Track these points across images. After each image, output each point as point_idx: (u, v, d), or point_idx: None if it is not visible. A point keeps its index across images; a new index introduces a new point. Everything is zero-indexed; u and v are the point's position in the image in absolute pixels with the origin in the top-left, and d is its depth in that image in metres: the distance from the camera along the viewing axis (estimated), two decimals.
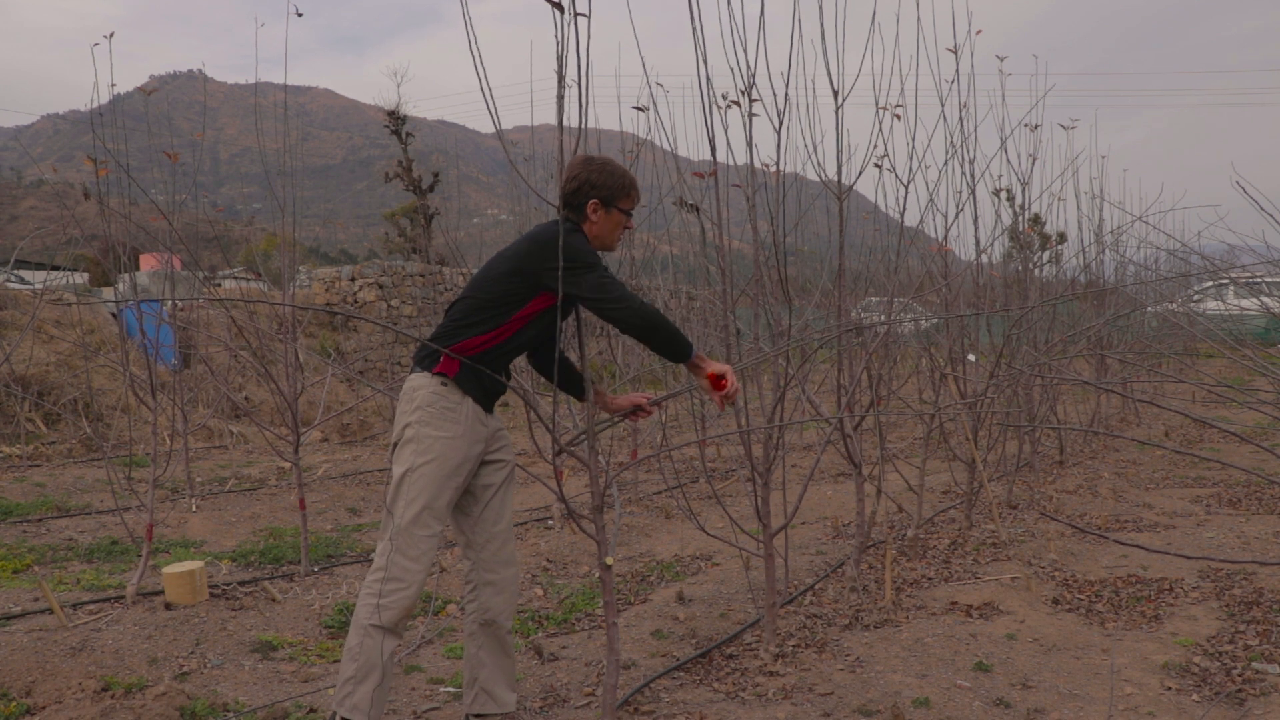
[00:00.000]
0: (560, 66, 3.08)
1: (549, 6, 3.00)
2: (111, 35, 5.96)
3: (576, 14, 3.03)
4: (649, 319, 3.35)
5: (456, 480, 3.44)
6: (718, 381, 3.52)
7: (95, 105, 6.19)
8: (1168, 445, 4.76)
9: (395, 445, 3.47)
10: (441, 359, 3.43)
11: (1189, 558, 4.43)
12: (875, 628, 4.78)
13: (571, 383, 3.81)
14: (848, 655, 4.40)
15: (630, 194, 3.57)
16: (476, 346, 3.43)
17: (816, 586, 5.48)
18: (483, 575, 3.62)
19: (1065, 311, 10.34)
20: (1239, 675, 4.04)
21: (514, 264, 3.41)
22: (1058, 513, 7.12)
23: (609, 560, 3.43)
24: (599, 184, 3.49)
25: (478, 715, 3.66)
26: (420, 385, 3.44)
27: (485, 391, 3.50)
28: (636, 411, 3.87)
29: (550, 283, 3.32)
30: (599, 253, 3.53)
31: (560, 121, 3.17)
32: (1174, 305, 13.11)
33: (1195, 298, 14.33)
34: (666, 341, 3.43)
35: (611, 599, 3.50)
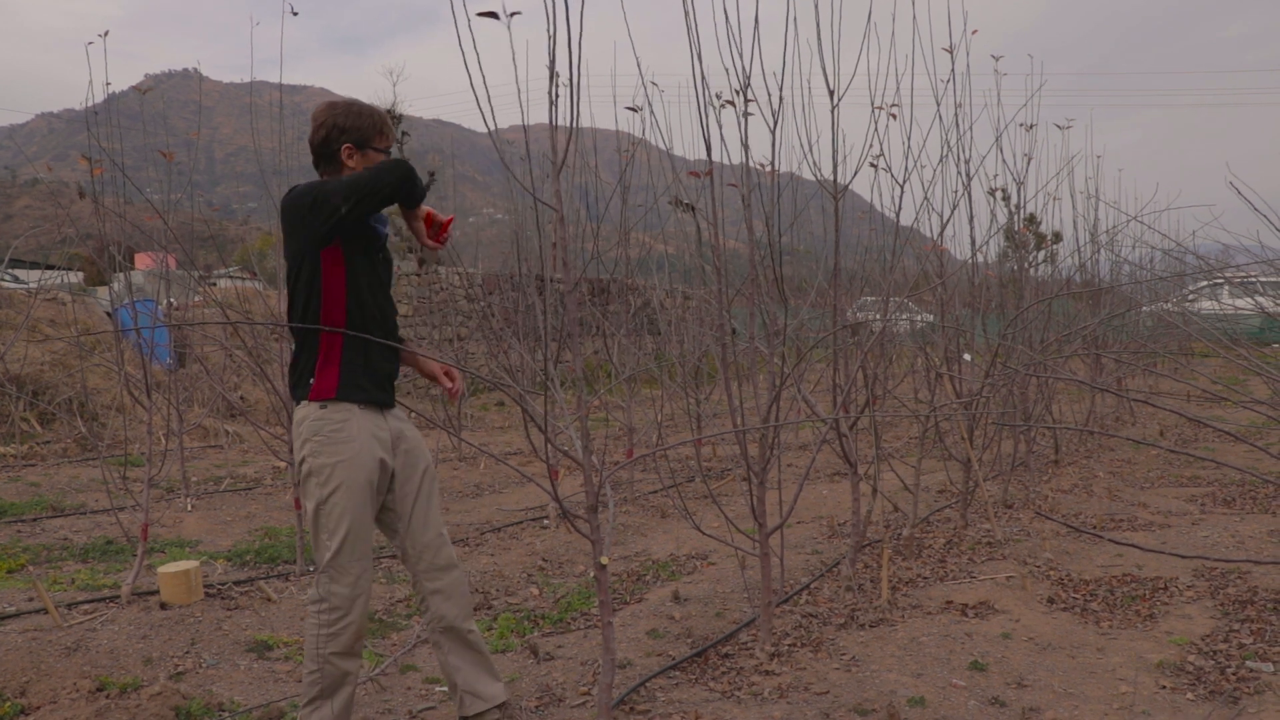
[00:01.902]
0: (551, 63, 3.08)
1: (548, 6, 3.00)
2: (106, 34, 5.95)
3: (511, 14, 3.02)
4: (391, 179, 3.22)
5: (369, 495, 3.34)
6: (431, 223, 3.48)
7: (90, 104, 6.18)
8: (1163, 444, 4.77)
9: (299, 479, 3.39)
10: (312, 386, 3.32)
11: (1184, 556, 4.44)
12: (871, 627, 4.78)
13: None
14: (843, 654, 4.40)
15: (383, 132, 3.46)
16: (329, 343, 3.33)
17: (812, 586, 5.49)
18: (426, 585, 3.54)
19: (1060, 311, 10.36)
20: (1233, 674, 4.05)
21: (284, 242, 3.36)
22: (1053, 512, 7.13)
23: (604, 560, 3.43)
24: (348, 127, 3.38)
25: (475, 716, 3.60)
26: (303, 417, 3.33)
27: (374, 386, 3.38)
28: (446, 381, 3.71)
29: (313, 225, 3.22)
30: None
31: (552, 120, 3.17)
32: (1169, 305, 13.13)
33: (1190, 297, 14.37)
34: (409, 194, 3.32)
35: (607, 598, 3.49)
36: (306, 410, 3.33)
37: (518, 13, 3.05)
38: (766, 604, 4.51)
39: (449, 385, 3.70)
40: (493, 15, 3.01)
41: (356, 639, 3.36)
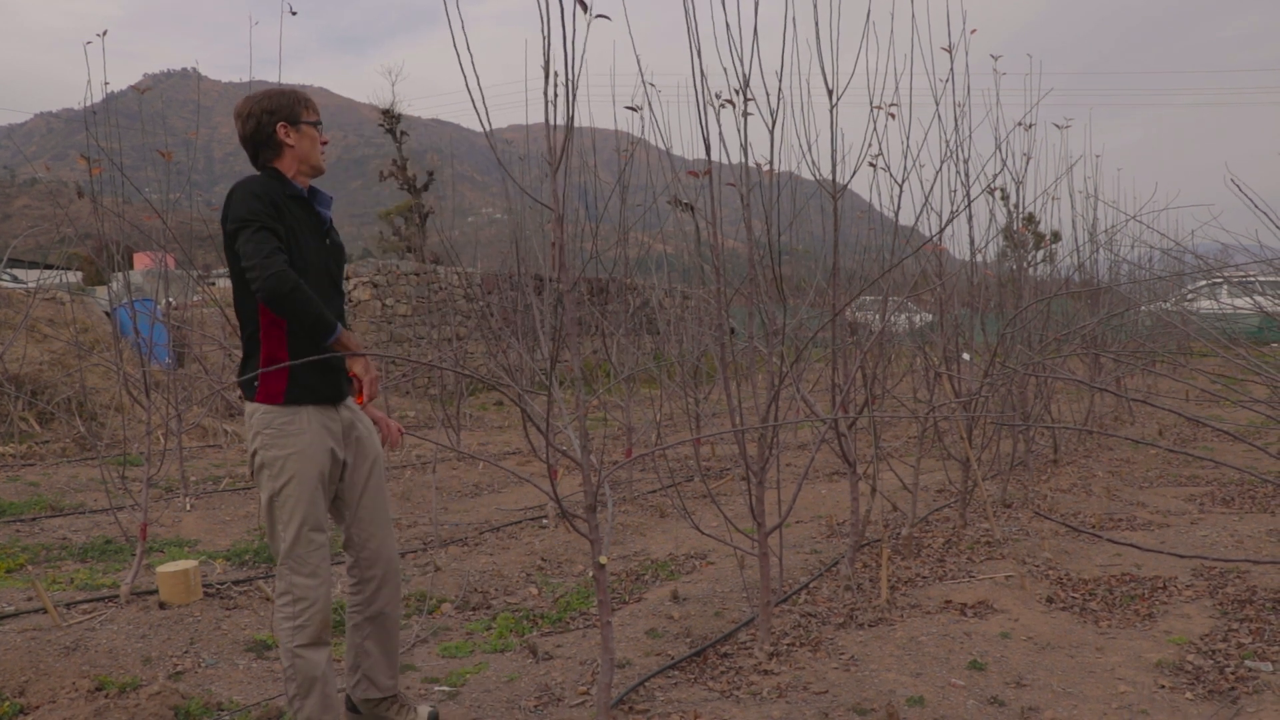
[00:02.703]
0: (547, 63, 3.07)
1: (542, 6, 2.99)
2: (105, 34, 5.94)
3: (584, 7, 3.02)
4: (274, 289, 3.09)
5: (320, 486, 3.38)
6: (361, 365, 3.42)
7: (89, 104, 6.18)
8: (1161, 444, 4.76)
9: (251, 472, 3.42)
10: (258, 389, 3.33)
11: (1182, 556, 4.44)
12: (870, 626, 4.78)
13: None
14: (842, 654, 4.40)
15: (307, 104, 3.49)
16: (273, 343, 3.33)
17: (811, 585, 5.49)
18: (364, 572, 3.60)
19: (1059, 310, 10.36)
20: (1232, 673, 4.05)
21: (224, 240, 3.35)
22: (1052, 511, 7.13)
23: (603, 559, 3.43)
24: (275, 108, 3.41)
25: (363, 700, 3.68)
26: (253, 412, 3.36)
27: (323, 384, 3.39)
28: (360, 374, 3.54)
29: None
30: (303, 180, 3.47)
31: (549, 120, 3.17)
32: (1168, 304, 13.15)
33: (1189, 297, 14.38)
34: (300, 319, 3.20)
35: (606, 598, 3.49)
36: (255, 407, 3.36)
37: (605, 16, 3.05)
38: (765, 603, 4.51)
39: (362, 379, 3.52)
40: (583, 5, 3.01)
41: (323, 628, 3.39)
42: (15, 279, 19.57)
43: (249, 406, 3.38)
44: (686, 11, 3.78)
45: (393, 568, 3.68)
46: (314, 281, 3.36)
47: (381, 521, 3.64)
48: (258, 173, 3.45)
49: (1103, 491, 7.85)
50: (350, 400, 3.56)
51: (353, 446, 3.54)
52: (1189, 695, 3.87)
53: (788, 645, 4.53)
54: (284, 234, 3.25)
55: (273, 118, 3.41)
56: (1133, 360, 10.35)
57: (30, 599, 5.33)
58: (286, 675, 3.37)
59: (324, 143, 3.55)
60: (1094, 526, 6.67)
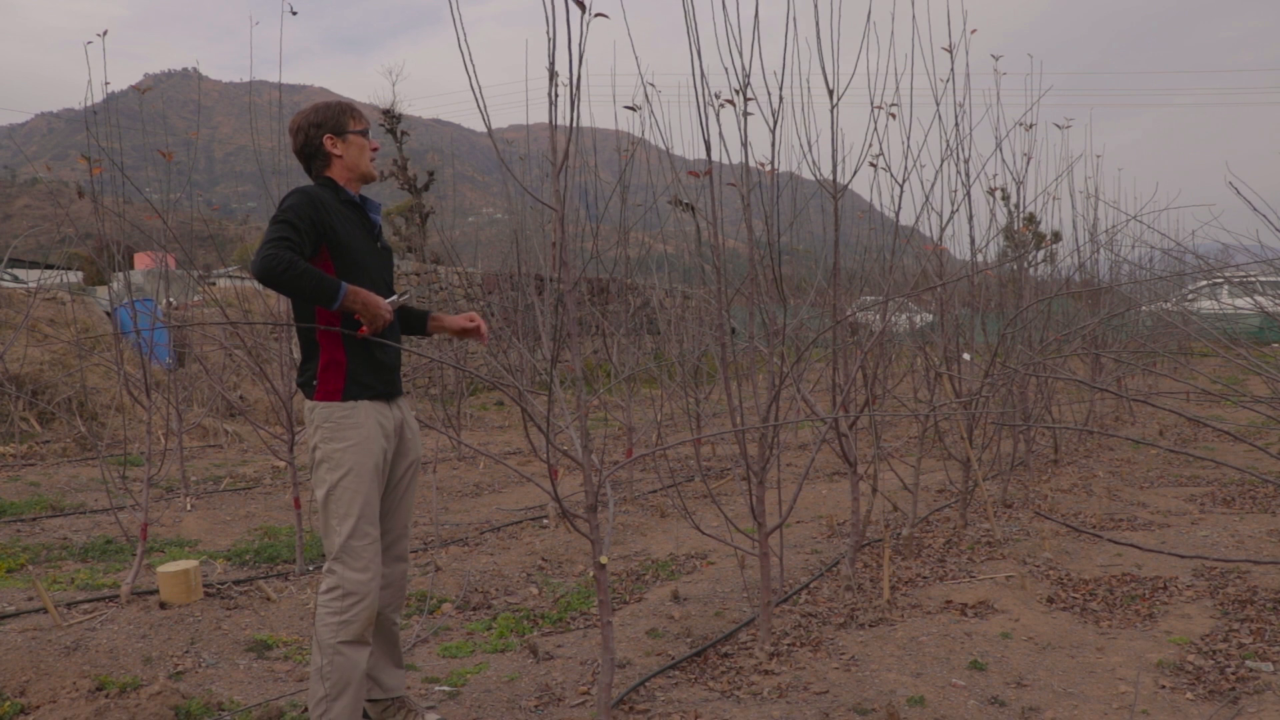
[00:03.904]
0: (551, 64, 3.07)
1: (548, 8, 3.00)
2: (105, 34, 5.94)
3: (581, 7, 3.03)
4: (265, 269, 3.15)
5: (377, 480, 3.45)
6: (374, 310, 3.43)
7: (90, 104, 6.18)
8: (1162, 444, 4.76)
9: (311, 468, 3.47)
10: (317, 388, 3.41)
11: (1183, 556, 4.44)
12: (870, 626, 4.78)
13: (412, 323, 3.86)
14: (843, 654, 4.40)
15: (354, 115, 3.59)
16: (331, 345, 3.41)
17: (812, 585, 5.49)
18: None
19: (1060, 310, 10.36)
20: (1233, 674, 4.05)
21: None
22: (1052, 511, 7.13)
23: (604, 559, 3.43)
24: (322, 121, 3.52)
25: (369, 701, 3.71)
26: (313, 408, 3.44)
27: (378, 381, 3.48)
28: (471, 332, 3.83)
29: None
30: (362, 181, 3.61)
31: (551, 120, 3.17)
32: (1169, 304, 13.14)
33: (1190, 297, 14.37)
34: (297, 294, 3.29)
35: (606, 598, 3.49)
36: (315, 403, 3.44)
37: (604, 15, 3.04)
38: (766, 603, 4.51)
39: (476, 331, 3.82)
40: (580, 4, 3.03)
41: (367, 626, 3.39)
42: (16, 279, 19.57)
43: (309, 404, 3.45)
44: (686, 12, 3.78)
45: (400, 570, 3.72)
46: (367, 282, 3.45)
47: (403, 523, 3.71)
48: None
49: (1103, 492, 7.85)
50: (403, 400, 3.65)
51: (398, 443, 3.61)
52: (1190, 695, 3.87)
53: (788, 645, 4.53)
54: (310, 233, 3.30)
55: (319, 130, 3.52)
56: (1133, 360, 10.36)
57: (31, 599, 5.33)
58: (321, 673, 3.33)
59: (374, 149, 3.63)
60: (1095, 527, 6.66)
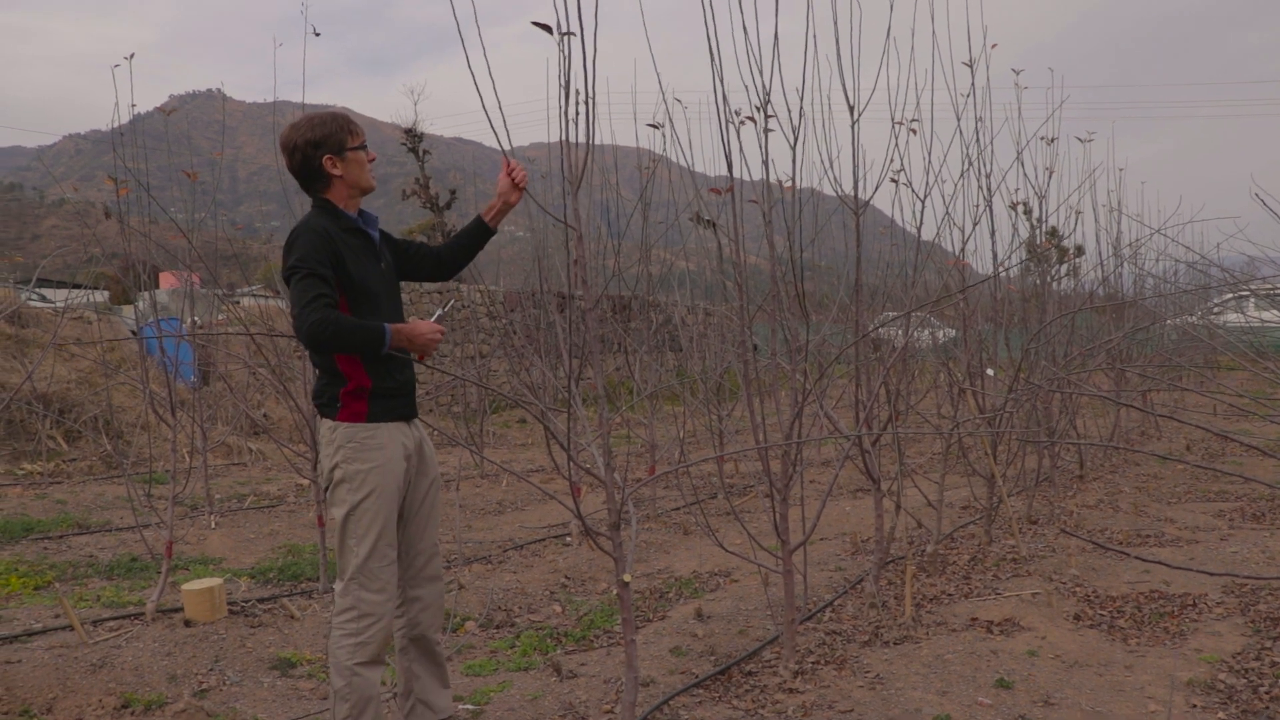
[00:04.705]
0: (566, 82, 3.09)
1: (547, 30, 3.03)
2: (132, 57, 6.01)
3: (563, 34, 3.04)
4: (312, 338, 3.19)
5: (396, 501, 3.44)
6: (422, 340, 3.47)
7: (116, 125, 6.25)
8: (1189, 460, 4.72)
9: (328, 488, 3.45)
10: (340, 410, 3.39)
11: (1212, 574, 4.39)
12: (895, 644, 4.75)
13: (475, 237, 3.88)
14: (868, 672, 4.37)
15: (351, 129, 3.50)
16: (351, 366, 3.39)
17: (836, 603, 5.46)
18: (408, 591, 3.63)
19: (1084, 325, 10.29)
20: (1266, 693, 3.99)
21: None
22: (1078, 527, 7.07)
23: (627, 577, 3.42)
24: (320, 140, 3.42)
25: None
26: (334, 428, 3.41)
27: (399, 403, 3.48)
28: (516, 177, 3.78)
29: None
30: (361, 191, 3.55)
31: (564, 138, 3.18)
32: (1194, 318, 13.03)
33: (1215, 310, 14.24)
34: (349, 349, 3.31)
35: (630, 616, 3.49)
36: (336, 423, 3.41)
37: (571, 33, 3.07)
38: (790, 621, 4.49)
39: (514, 175, 3.76)
40: (546, 28, 3.05)
41: (382, 647, 3.40)
42: (43, 298, 19.77)
43: (328, 424, 3.42)
44: (708, 32, 3.79)
45: (435, 590, 3.70)
46: (377, 305, 3.44)
47: (430, 543, 3.69)
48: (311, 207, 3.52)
49: (1130, 507, 7.78)
50: (418, 421, 3.64)
51: (417, 464, 3.59)
52: (1221, 715, 3.82)
53: (813, 663, 4.50)
54: (332, 277, 3.29)
55: (318, 151, 3.42)
56: (1159, 375, 10.27)
57: (58, 616, 5.36)
58: (340, 695, 3.33)
59: (372, 159, 3.58)
60: (1121, 543, 6.60)
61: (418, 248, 3.86)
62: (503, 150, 3.45)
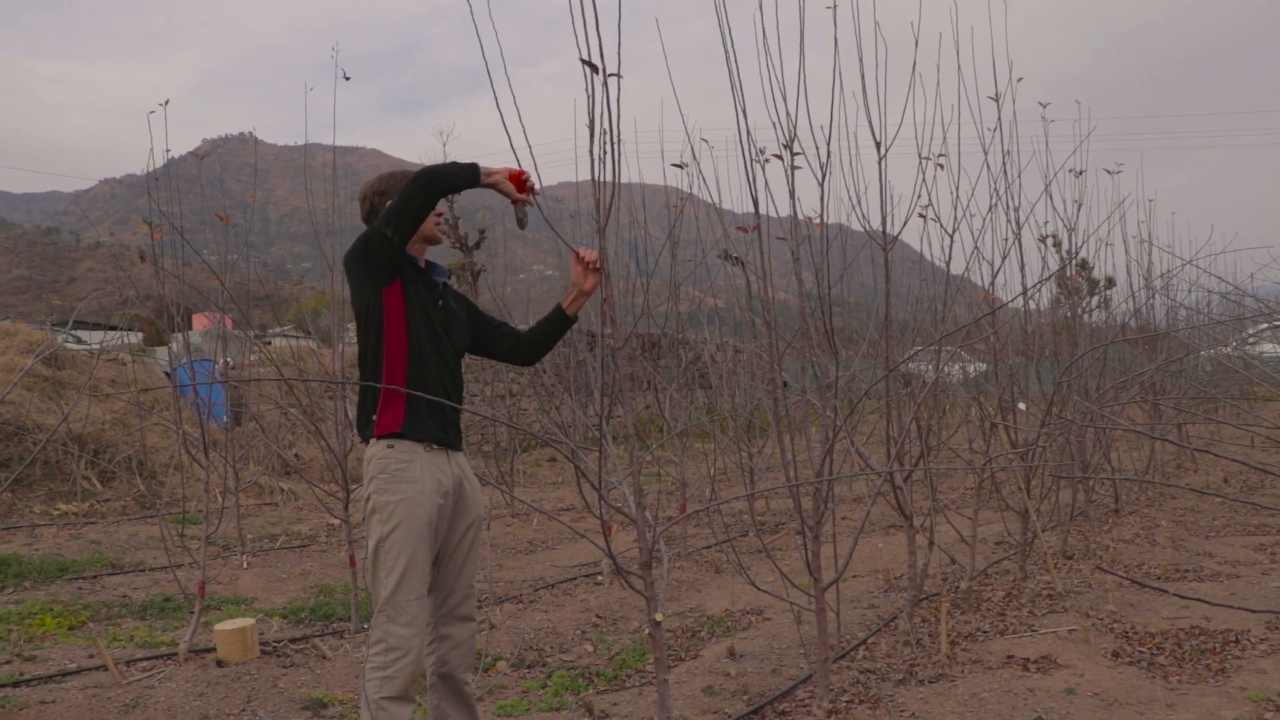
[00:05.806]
0: (591, 123, 3.12)
1: (594, 69, 3.06)
2: (167, 103, 6.11)
3: (608, 75, 3.08)
4: (407, 194, 3.32)
5: (429, 535, 3.42)
6: (518, 181, 3.51)
7: (151, 169, 6.35)
8: (1226, 494, 4.65)
9: (365, 517, 3.48)
10: (376, 423, 3.44)
11: (1254, 610, 4.31)
12: (930, 683, 4.69)
13: (553, 326, 3.92)
14: (902, 711, 4.31)
15: None
16: (392, 381, 3.43)
17: (869, 641, 5.40)
18: (439, 629, 3.62)
19: (1116, 357, 10.21)
20: None
21: (351, 297, 3.57)
22: (1114, 563, 6.97)
23: (659, 616, 3.40)
24: (386, 190, 3.59)
25: None
26: (372, 455, 3.43)
27: (437, 425, 3.48)
28: (591, 267, 3.81)
29: (372, 261, 3.42)
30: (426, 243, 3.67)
31: (594, 176, 3.20)
32: (1228, 349, 12.89)
33: (1250, 340, 14.09)
34: (444, 188, 3.40)
35: (662, 655, 3.46)
36: (375, 449, 3.44)
37: (617, 74, 3.11)
38: (823, 660, 4.44)
39: (585, 260, 3.80)
40: (593, 67, 3.09)
41: (411, 682, 3.38)
42: (79, 340, 20.03)
43: (368, 451, 3.46)
44: (731, 71, 3.82)
45: (468, 630, 3.68)
46: (431, 338, 3.52)
47: (467, 584, 3.66)
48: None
49: (1167, 541, 7.67)
50: (463, 457, 3.65)
51: (457, 501, 3.58)
52: None
53: (846, 702, 4.45)
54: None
55: (383, 199, 3.59)
56: (1194, 407, 10.15)
57: (91, 656, 5.39)
58: None
59: (439, 215, 3.65)
60: (1159, 578, 6.50)
61: (500, 324, 3.95)
62: (565, 241, 3.48)
